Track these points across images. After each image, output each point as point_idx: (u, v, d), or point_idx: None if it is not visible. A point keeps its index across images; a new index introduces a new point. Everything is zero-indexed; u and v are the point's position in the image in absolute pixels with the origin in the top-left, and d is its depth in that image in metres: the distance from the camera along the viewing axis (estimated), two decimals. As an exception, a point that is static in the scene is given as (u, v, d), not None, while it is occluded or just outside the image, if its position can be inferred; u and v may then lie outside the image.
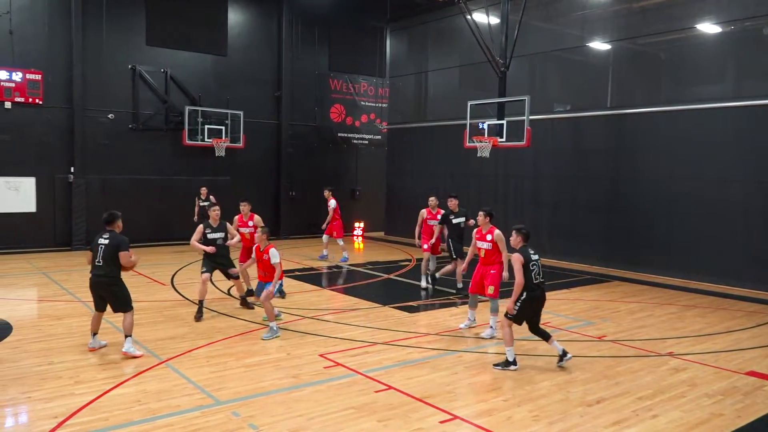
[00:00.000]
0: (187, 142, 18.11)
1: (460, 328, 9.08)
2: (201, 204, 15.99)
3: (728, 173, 12.82)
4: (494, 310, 8.77)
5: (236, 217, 10.73)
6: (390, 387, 6.63)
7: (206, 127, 18.30)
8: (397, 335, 8.71)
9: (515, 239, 7.43)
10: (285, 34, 20.17)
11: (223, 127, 18.62)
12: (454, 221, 11.46)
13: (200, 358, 7.48)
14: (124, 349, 7.51)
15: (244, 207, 10.73)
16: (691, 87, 14.23)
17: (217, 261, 9.60)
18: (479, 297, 8.98)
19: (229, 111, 18.86)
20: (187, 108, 18.13)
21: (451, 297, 11.46)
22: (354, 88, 22.24)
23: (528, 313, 7.32)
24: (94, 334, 7.69)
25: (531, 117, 13.64)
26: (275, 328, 8.52)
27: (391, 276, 13.80)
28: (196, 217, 16.01)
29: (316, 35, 21.04)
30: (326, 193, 15.08)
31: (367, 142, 22.72)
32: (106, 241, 7.51)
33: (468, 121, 14.71)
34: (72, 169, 16.68)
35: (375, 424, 5.69)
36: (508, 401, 6.36)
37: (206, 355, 7.63)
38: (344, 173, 22.32)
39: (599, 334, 8.99)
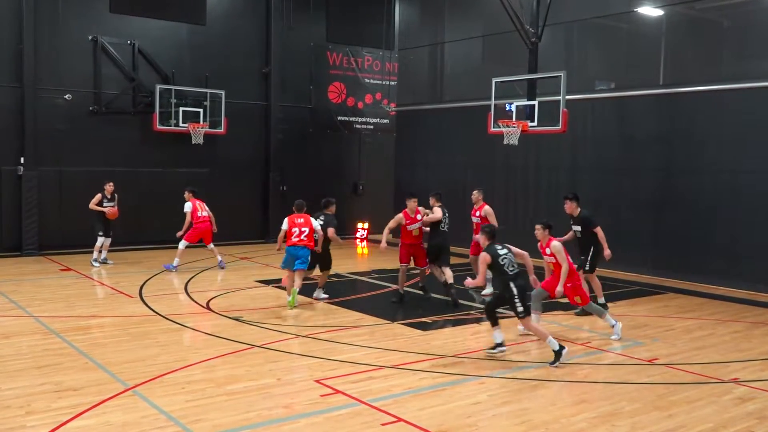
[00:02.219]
0: (159, 127, 18.15)
1: (613, 339, 9.72)
2: (107, 204, 15.14)
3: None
4: (600, 313, 9.86)
5: (401, 213, 11.93)
6: (399, 419, 6.62)
7: (181, 109, 18.32)
8: (408, 357, 8.70)
9: (481, 238, 8.90)
10: (274, -2, 20.21)
11: (201, 110, 18.65)
12: (573, 228, 11.36)
13: (174, 384, 7.49)
14: (314, 296, 11.77)
15: (413, 203, 11.94)
16: (761, 60, 14.14)
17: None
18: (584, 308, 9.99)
19: (208, 90, 18.88)
20: (159, 87, 18.16)
21: (472, 312, 11.45)
22: (356, 63, 22.23)
23: (527, 299, 8.73)
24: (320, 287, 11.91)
25: (568, 97, 13.58)
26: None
27: (401, 288, 13.78)
28: (111, 216, 15.16)
29: (312, 0, 21.05)
30: (186, 194, 15.02)
31: (372, 127, 22.71)
32: (323, 222, 11.68)
33: (492, 102, 14.68)
34: (22, 160, 16.76)
35: (381, 464, 5.69)
36: (540, 436, 6.36)
37: (181, 380, 7.64)
38: (345, 164, 22.33)
39: (650, 357, 8.96)
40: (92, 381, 7.53)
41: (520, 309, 8.54)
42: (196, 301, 11.90)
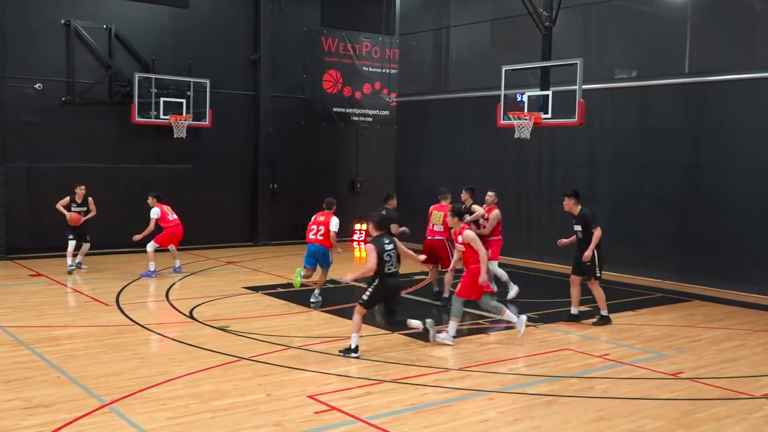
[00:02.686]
0: (138, 119, 18.17)
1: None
2: (75, 209, 15.12)
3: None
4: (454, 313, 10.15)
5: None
6: (400, 438, 6.63)
7: (162, 100, 18.34)
8: (410, 370, 8.71)
9: (370, 228, 9.54)
10: (264, -22, 20.23)
11: (184, 101, 18.66)
12: (575, 228, 11.29)
13: (154, 400, 7.49)
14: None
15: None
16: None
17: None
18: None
19: (191, 79, 18.91)
20: (138, 75, 18.18)
21: (480, 322, 11.46)
22: (354, 50, 22.24)
23: (380, 299, 9.44)
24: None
25: (584, 86, 13.60)
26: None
27: (403, 294, 13.79)
28: (71, 222, 15.04)
29: (305, -20, 21.10)
30: (150, 199, 15.03)
31: (370, 119, 22.73)
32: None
33: (502, 92, 14.68)
34: (-12, 155, 16.78)
35: (381, 487, 5.71)
36: (554, 457, 6.38)
37: (162, 395, 7.65)
38: (341, 159, 22.33)
39: (674, 370, 8.97)
40: (65, 397, 7.52)
41: (365, 299, 9.28)
42: (178, 310, 11.90)
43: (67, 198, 15.20)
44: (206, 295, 13.11)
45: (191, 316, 11.39)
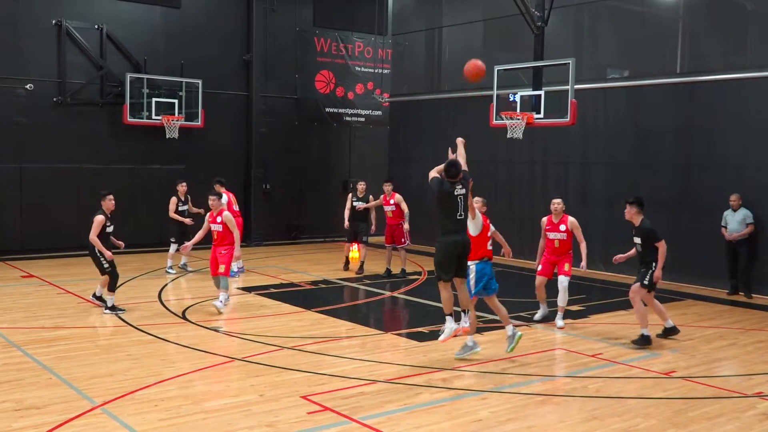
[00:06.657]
0: (129, 120, 18.13)
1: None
2: (181, 208, 15.13)
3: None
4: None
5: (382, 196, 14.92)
6: (393, 438, 6.64)
7: (154, 100, 18.32)
8: (403, 371, 8.73)
9: None
10: (256, -22, 20.23)
11: (176, 101, 18.65)
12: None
13: (146, 402, 7.50)
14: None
15: (388, 186, 15.32)
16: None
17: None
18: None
19: (183, 79, 18.90)
20: (129, 76, 18.15)
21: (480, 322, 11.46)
22: (346, 50, 22.24)
23: None
24: None
25: (577, 86, 13.63)
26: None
27: (396, 293, 13.80)
28: (176, 230, 15.08)
29: (297, -20, 21.09)
30: (216, 186, 14.89)
31: (363, 119, 22.72)
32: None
33: (495, 92, 14.73)
34: (-22, 156, 16.73)
35: (374, 487, 5.71)
36: (547, 456, 6.39)
37: (154, 397, 7.65)
38: (334, 160, 22.34)
39: (667, 369, 9.00)
40: (57, 398, 7.52)
41: None
42: (170, 310, 11.88)
43: (174, 199, 15.12)
44: (199, 296, 13.09)
45: (184, 317, 11.38)
